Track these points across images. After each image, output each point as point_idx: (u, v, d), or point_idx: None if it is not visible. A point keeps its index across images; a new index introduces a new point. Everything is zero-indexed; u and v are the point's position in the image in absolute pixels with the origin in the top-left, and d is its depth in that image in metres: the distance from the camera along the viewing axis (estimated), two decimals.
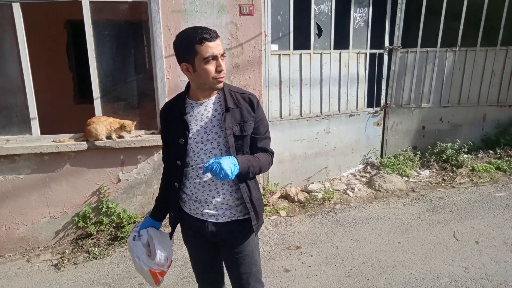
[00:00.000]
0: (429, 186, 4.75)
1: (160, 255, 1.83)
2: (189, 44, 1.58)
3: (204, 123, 1.71)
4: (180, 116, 1.72)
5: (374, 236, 3.64)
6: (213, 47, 1.58)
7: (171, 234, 1.94)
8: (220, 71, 1.62)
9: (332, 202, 4.39)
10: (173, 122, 1.76)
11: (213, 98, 1.74)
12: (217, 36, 1.60)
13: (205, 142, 1.70)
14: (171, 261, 1.94)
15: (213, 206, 1.75)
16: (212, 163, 1.53)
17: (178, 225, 1.92)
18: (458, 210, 4.06)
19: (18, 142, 3.54)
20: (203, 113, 1.72)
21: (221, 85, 1.67)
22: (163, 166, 1.95)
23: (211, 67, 1.61)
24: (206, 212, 1.76)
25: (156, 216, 1.95)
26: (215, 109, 1.72)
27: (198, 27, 1.61)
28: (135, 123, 3.66)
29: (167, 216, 1.95)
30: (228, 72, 3.87)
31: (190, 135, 1.70)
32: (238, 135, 1.69)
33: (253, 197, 1.76)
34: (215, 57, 1.59)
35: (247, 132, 1.71)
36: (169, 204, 1.88)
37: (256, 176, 1.83)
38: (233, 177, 1.56)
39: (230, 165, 1.55)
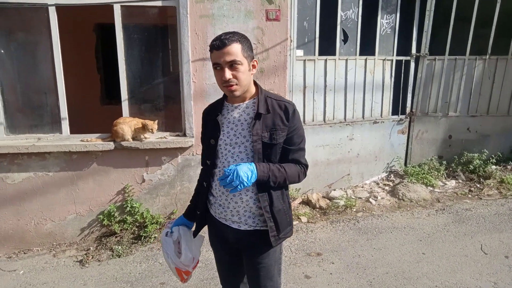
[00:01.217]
0: (455, 197, 4.63)
1: (185, 255, 1.84)
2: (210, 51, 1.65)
3: (235, 125, 1.71)
4: (215, 117, 1.75)
5: (397, 246, 3.56)
6: (218, 55, 1.58)
7: (195, 233, 1.94)
8: (224, 81, 1.60)
9: (354, 210, 4.33)
10: (209, 123, 1.79)
11: (247, 102, 1.74)
12: (225, 44, 1.57)
13: (233, 145, 1.70)
14: (197, 262, 1.94)
15: (236, 212, 1.73)
16: (230, 169, 1.53)
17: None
18: (486, 223, 3.94)
19: (49, 140, 3.66)
20: (236, 116, 1.73)
21: (235, 93, 1.64)
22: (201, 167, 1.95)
23: (217, 76, 1.64)
24: (229, 218, 1.75)
25: (188, 215, 1.97)
26: (248, 113, 1.71)
27: (222, 33, 1.61)
28: (156, 121, 3.70)
29: None
30: (253, 77, 3.88)
31: (221, 136, 1.72)
32: (267, 142, 1.66)
33: (274, 207, 1.70)
34: (220, 66, 1.59)
35: (277, 141, 1.67)
36: (198, 202, 1.90)
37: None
38: (249, 184, 1.55)
39: (247, 171, 1.54)
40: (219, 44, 1.57)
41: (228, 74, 1.58)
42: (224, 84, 1.61)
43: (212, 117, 1.78)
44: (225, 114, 1.76)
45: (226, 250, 1.88)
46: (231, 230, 1.77)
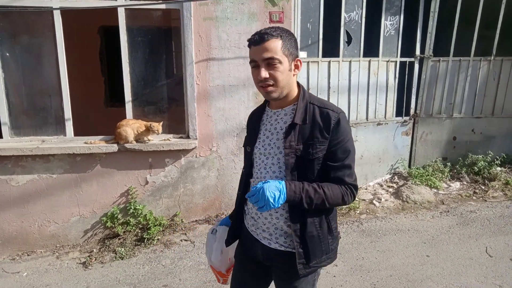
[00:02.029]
0: (460, 198, 4.60)
1: (215, 255, 1.79)
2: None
3: (271, 134, 1.56)
4: (255, 123, 1.64)
5: (401, 248, 3.54)
6: (255, 51, 1.43)
7: (227, 242, 1.77)
8: (259, 80, 1.44)
9: (358, 212, 4.31)
10: (250, 128, 1.69)
11: (287, 108, 1.55)
12: (263, 39, 1.40)
13: (266, 155, 1.55)
14: (232, 266, 1.85)
15: (266, 228, 1.57)
16: (256, 188, 1.36)
17: None
18: (491, 225, 3.91)
19: (53, 142, 3.68)
20: (273, 123, 1.57)
21: (271, 95, 1.47)
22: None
23: (253, 74, 1.48)
24: (260, 233, 1.60)
25: (231, 216, 1.85)
26: (285, 122, 1.53)
27: (263, 28, 1.45)
28: (162, 123, 3.71)
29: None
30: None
31: (257, 144, 1.59)
32: (301, 156, 1.46)
33: (306, 232, 1.49)
34: (256, 63, 1.44)
35: (313, 156, 1.45)
36: (234, 210, 1.79)
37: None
38: (276, 206, 1.36)
39: (274, 190, 1.35)
40: (257, 39, 1.42)
41: (264, 72, 1.42)
42: (260, 83, 1.45)
43: (253, 122, 1.66)
44: (264, 120, 1.62)
45: (251, 265, 1.71)
46: (261, 246, 1.60)
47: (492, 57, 5.06)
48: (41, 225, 3.70)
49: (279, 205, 1.36)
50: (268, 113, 1.62)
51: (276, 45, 1.41)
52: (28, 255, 3.65)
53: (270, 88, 1.45)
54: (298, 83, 1.57)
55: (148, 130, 3.67)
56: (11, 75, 3.65)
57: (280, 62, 1.42)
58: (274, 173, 1.51)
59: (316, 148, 1.45)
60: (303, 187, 1.43)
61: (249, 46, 1.46)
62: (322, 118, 1.47)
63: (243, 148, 1.74)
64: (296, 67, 1.50)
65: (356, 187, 1.53)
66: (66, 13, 3.59)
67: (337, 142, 1.46)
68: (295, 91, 1.55)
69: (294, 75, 1.50)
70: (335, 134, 1.45)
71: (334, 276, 3.13)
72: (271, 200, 1.33)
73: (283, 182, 1.40)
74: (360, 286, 2.99)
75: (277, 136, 1.53)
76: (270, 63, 1.41)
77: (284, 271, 1.60)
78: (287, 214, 1.50)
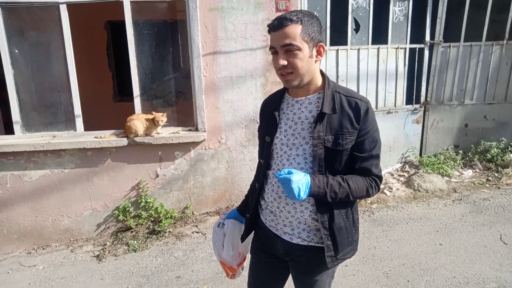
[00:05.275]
0: (472, 186, 4.54)
1: (227, 250, 1.73)
2: None
3: (295, 123, 1.48)
4: (273, 111, 1.54)
5: (413, 237, 3.52)
6: (274, 37, 1.37)
7: (243, 237, 1.73)
8: (278, 68, 1.38)
9: (369, 201, 4.28)
10: (267, 117, 1.59)
11: (311, 97, 1.48)
12: (282, 25, 1.34)
13: (290, 146, 1.47)
14: (244, 260, 1.82)
15: (288, 222, 1.51)
16: (281, 177, 1.32)
17: None
18: (505, 212, 3.85)
19: (63, 137, 3.71)
20: (296, 112, 1.49)
21: (290, 83, 1.41)
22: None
23: (273, 61, 1.41)
24: (281, 228, 1.54)
25: (240, 210, 1.81)
26: (310, 111, 1.46)
27: (284, 13, 1.39)
28: (165, 114, 3.68)
29: None
30: (263, 69, 3.87)
31: (277, 134, 1.51)
32: (330, 147, 1.40)
33: (334, 224, 1.45)
34: (275, 50, 1.38)
35: (343, 146, 1.41)
36: (249, 204, 1.72)
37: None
38: (301, 199, 1.33)
39: (299, 184, 1.31)
40: (275, 25, 1.35)
41: (282, 60, 1.35)
42: (279, 71, 1.39)
43: (270, 111, 1.56)
44: (284, 109, 1.53)
45: (268, 259, 1.66)
46: (281, 241, 1.55)
47: (505, 41, 4.94)
48: (55, 219, 3.75)
49: (302, 199, 1.33)
50: (288, 101, 1.54)
51: (295, 31, 1.33)
52: (43, 248, 3.72)
53: (290, 76, 1.39)
54: (321, 71, 1.50)
55: (153, 121, 3.66)
56: (20, 72, 3.68)
57: (299, 49, 1.35)
58: (299, 164, 1.45)
59: (346, 139, 1.41)
60: (328, 181, 1.39)
61: (268, 32, 1.41)
62: (350, 107, 1.42)
63: (256, 138, 1.67)
64: (319, 53, 1.42)
65: (381, 179, 1.50)
66: (72, 8, 3.59)
67: (366, 132, 1.43)
68: (318, 79, 1.47)
69: (316, 61, 1.42)
70: (363, 124, 1.41)
71: (346, 265, 3.12)
72: (295, 193, 1.30)
73: (308, 176, 1.36)
74: (372, 275, 2.98)
75: (301, 126, 1.46)
76: (289, 49, 1.35)
77: (305, 265, 1.57)
78: (312, 207, 1.45)
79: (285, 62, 1.36)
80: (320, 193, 1.37)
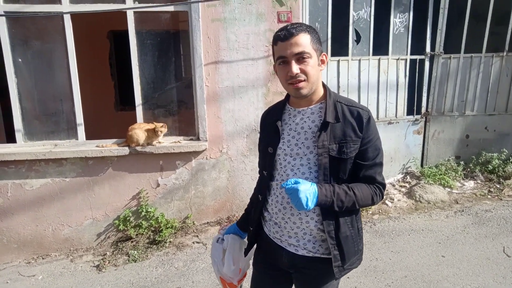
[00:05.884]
0: (474, 198, 4.52)
1: (228, 266, 1.68)
2: (272, 45, 1.47)
3: (298, 134, 1.49)
4: (275, 121, 1.55)
5: (415, 248, 3.49)
6: (283, 47, 1.39)
7: (246, 251, 1.73)
8: (290, 76, 1.39)
9: (370, 212, 4.26)
10: (267, 128, 1.60)
11: (313, 107, 1.50)
12: (293, 34, 1.37)
13: (294, 156, 1.48)
14: (245, 275, 1.76)
15: (293, 234, 1.50)
16: (288, 187, 1.32)
17: None
18: (507, 224, 3.83)
19: (65, 146, 3.71)
20: (299, 122, 1.50)
21: (302, 91, 1.42)
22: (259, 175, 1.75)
23: (281, 71, 1.43)
24: (286, 239, 1.53)
25: (240, 224, 1.79)
26: (313, 120, 1.48)
27: (288, 24, 1.43)
28: (165, 125, 3.69)
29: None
30: (265, 79, 3.89)
31: (280, 144, 1.51)
32: (335, 156, 1.42)
33: (341, 233, 1.45)
34: (284, 59, 1.40)
35: (347, 155, 1.42)
36: (251, 217, 1.71)
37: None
38: (309, 209, 1.34)
39: (306, 194, 1.31)
40: (285, 34, 1.38)
41: (295, 68, 1.38)
42: (290, 80, 1.40)
43: (271, 121, 1.57)
44: (286, 119, 1.54)
45: (272, 273, 1.66)
46: (286, 253, 1.54)
47: (505, 53, 4.97)
48: (55, 229, 3.73)
49: (309, 209, 1.33)
50: (290, 111, 1.55)
51: (305, 39, 1.39)
52: (43, 258, 3.69)
53: (302, 84, 1.41)
54: (322, 82, 1.53)
55: (154, 131, 3.66)
56: (23, 81, 3.70)
57: (310, 57, 1.39)
58: (304, 174, 1.46)
59: (350, 147, 1.43)
60: (334, 190, 1.40)
61: (274, 43, 1.43)
62: (353, 116, 1.45)
63: (257, 150, 1.67)
64: (322, 62, 1.47)
65: (384, 186, 1.53)
66: (76, 18, 3.63)
67: (368, 140, 1.45)
68: (320, 89, 1.51)
69: (321, 70, 1.47)
70: (366, 133, 1.44)
71: (348, 277, 3.10)
72: (303, 203, 1.30)
73: (315, 185, 1.37)
74: (375, 287, 2.95)
75: (305, 135, 1.47)
76: (301, 57, 1.38)
77: (310, 276, 1.55)
78: (318, 217, 1.46)
79: (298, 70, 1.39)
80: (327, 202, 1.37)
